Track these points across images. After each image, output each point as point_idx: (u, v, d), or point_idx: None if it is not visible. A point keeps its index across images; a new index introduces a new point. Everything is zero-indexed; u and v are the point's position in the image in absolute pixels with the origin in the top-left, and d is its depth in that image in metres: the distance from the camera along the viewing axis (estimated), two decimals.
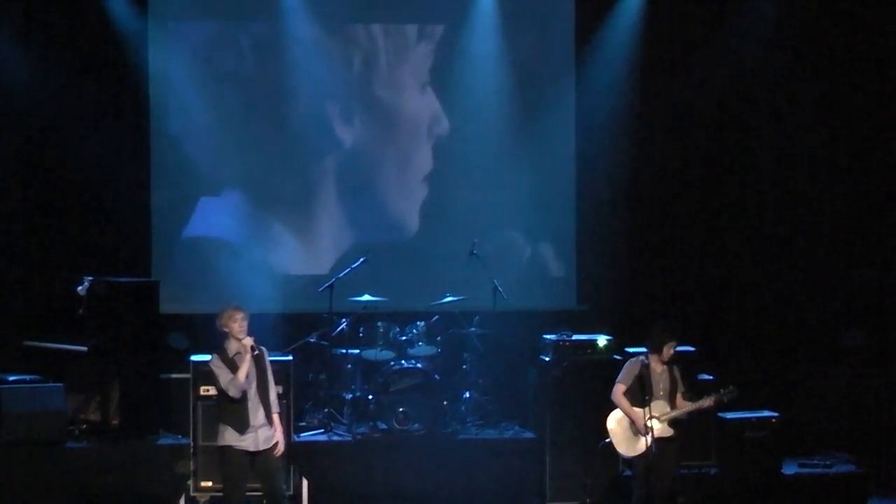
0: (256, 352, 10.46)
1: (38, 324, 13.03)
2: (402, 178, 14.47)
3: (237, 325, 10.43)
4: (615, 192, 14.58)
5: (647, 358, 11.25)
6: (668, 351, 11.20)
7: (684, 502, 12.09)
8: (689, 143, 14.61)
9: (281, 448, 10.66)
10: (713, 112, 14.59)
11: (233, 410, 10.41)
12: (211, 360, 10.51)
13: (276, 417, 10.64)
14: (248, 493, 10.77)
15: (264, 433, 10.50)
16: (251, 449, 10.44)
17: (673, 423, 11.15)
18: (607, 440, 11.38)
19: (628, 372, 11.29)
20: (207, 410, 12.06)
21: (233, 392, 10.35)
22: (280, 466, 10.69)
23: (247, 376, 10.37)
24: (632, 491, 11.27)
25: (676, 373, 11.32)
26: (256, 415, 10.46)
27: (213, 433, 11.95)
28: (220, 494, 11.95)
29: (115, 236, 13.77)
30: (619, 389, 11.27)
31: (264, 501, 10.84)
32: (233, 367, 10.40)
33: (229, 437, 10.44)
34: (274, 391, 10.70)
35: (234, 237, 13.94)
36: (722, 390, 11.20)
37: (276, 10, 14.07)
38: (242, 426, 10.40)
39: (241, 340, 10.42)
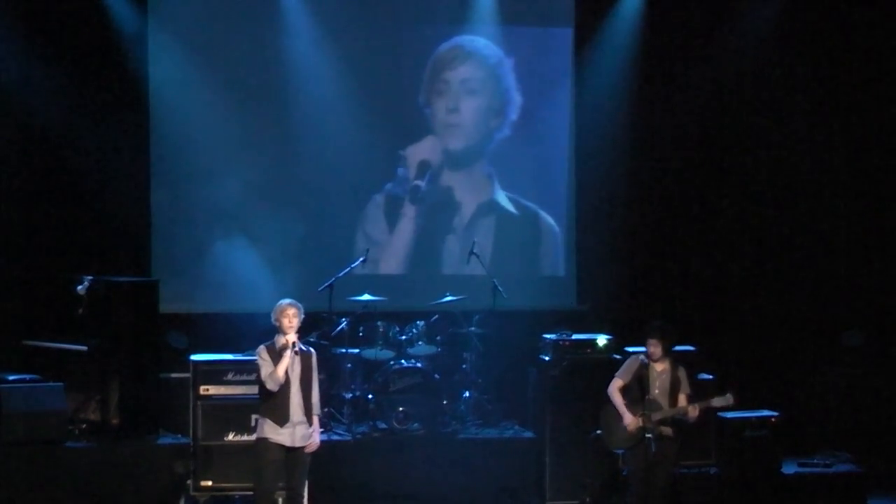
0: (297, 349, 10.52)
1: (38, 324, 13.02)
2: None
3: (286, 320, 10.53)
4: (615, 192, 14.58)
5: (647, 357, 11.27)
6: (650, 349, 11.17)
7: (684, 502, 12.09)
8: (689, 142, 14.60)
9: (314, 447, 10.69)
10: (713, 112, 14.58)
11: (274, 404, 10.51)
12: (258, 351, 10.62)
13: (315, 419, 10.71)
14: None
15: (301, 430, 10.56)
16: (287, 444, 10.51)
17: (667, 422, 11.13)
18: (598, 431, 11.43)
19: (627, 368, 11.29)
20: (207, 410, 12.10)
21: (270, 385, 10.47)
22: (308, 465, 10.72)
23: (287, 372, 10.46)
24: (630, 490, 11.27)
25: (681, 374, 11.24)
26: (297, 411, 10.54)
27: (214, 433, 12.05)
28: (221, 494, 12.02)
29: (115, 236, 13.76)
30: (615, 384, 11.27)
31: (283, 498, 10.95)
32: (277, 360, 10.50)
33: (267, 429, 10.51)
34: (317, 393, 10.74)
35: (233, 236, 13.92)
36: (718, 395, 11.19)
37: (276, 9, 14.07)
38: (282, 420, 10.48)
39: (285, 336, 10.51)
